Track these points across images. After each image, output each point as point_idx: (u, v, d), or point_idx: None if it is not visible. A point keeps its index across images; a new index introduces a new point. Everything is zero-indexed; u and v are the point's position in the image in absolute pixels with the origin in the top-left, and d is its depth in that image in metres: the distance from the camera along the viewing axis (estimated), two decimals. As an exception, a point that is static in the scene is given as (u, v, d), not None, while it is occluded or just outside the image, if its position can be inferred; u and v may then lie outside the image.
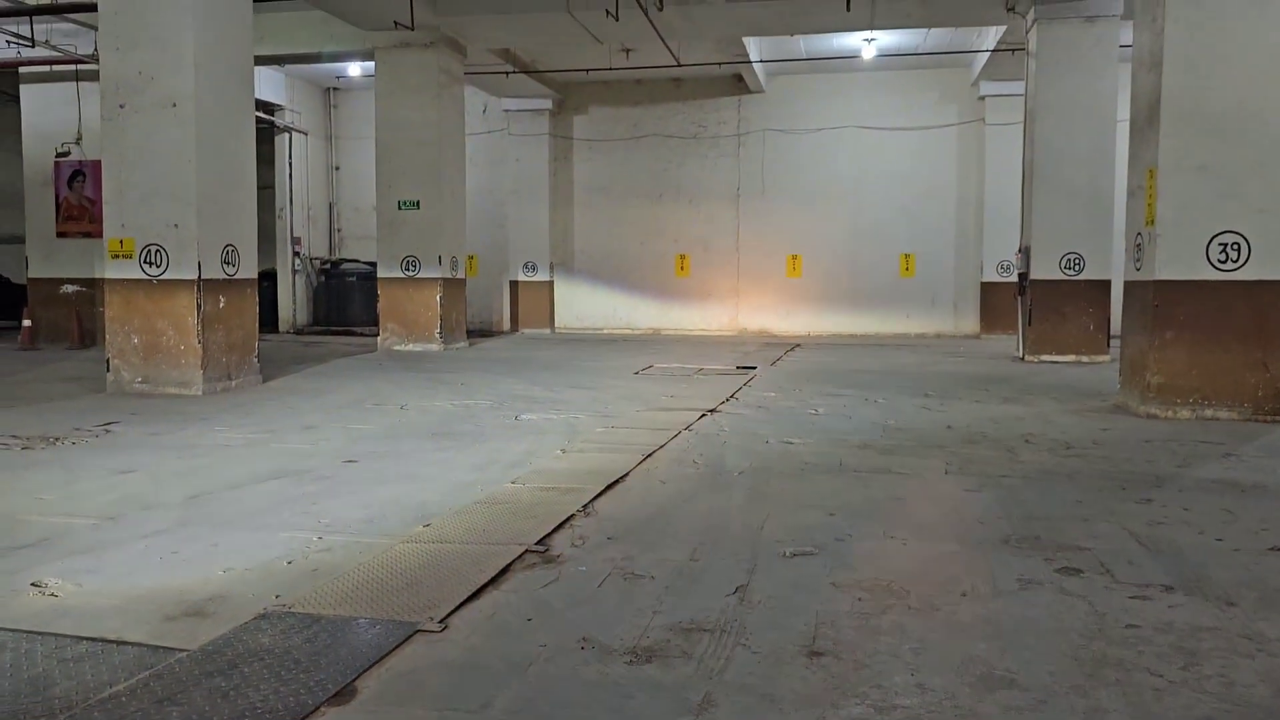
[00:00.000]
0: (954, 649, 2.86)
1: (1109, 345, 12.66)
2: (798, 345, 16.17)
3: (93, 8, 11.63)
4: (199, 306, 8.90)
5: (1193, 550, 3.90)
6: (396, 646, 2.84)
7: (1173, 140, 7.39)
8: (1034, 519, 4.41)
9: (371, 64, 16.83)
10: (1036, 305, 12.70)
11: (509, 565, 3.64)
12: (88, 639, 2.89)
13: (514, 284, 19.84)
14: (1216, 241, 7.36)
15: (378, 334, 17.71)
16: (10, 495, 4.84)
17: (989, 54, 15.92)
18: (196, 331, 8.90)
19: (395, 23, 12.64)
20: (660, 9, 11.47)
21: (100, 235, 14.38)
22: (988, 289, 18.09)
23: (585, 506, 4.60)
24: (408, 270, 14.36)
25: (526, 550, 3.83)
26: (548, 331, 19.63)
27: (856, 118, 18.72)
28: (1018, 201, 17.58)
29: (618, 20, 11.24)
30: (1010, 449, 6.25)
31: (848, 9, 10.91)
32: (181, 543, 3.98)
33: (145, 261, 8.96)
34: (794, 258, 19.22)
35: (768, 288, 19.34)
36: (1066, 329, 12.63)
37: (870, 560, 3.77)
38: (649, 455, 5.95)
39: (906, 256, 18.84)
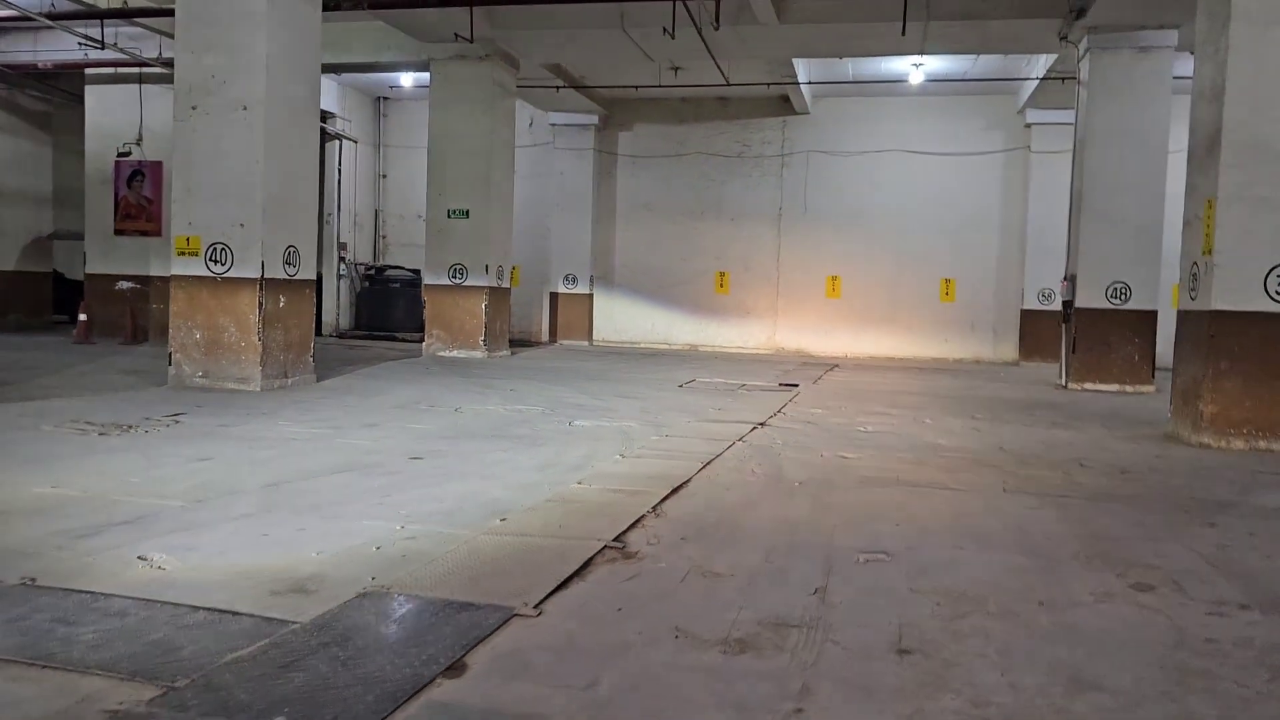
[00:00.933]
0: (1038, 653, 2.93)
1: (1153, 376, 12.63)
2: (836, 365, 16.22)
3: (164, 13, 11.98)
4: (260, 305, 9.10)
5: (1263, 573, 3.94)
6: (497, 628, 2.95)
7: (1233, 171, 7.42)
8: (1099, 537, 4.46)
9: (424, 75, 17.17)
10: (1081, 334, 12.68)
11: (591, 559, 3.74)
12: (203, 609, 3.02)
13: (554, 295, 20.03)
14: (1275, 273, 7.37)
15: (420, 339, 17.99)
16: (99, 477, 5.01)
17: (1037, 82, 15.96)
18: (257, 329, 9.09)
19: (456, 35, 12.87)
20: (716, 28, 11.62)
21: (157, 234, 14.81)
22: (1028, 316, 18.06)
23: (654, 508, 4.69)
24: (455, 278, 14.55)
25: (605, 546, 3.93)
26: (585, 343, 19.78)
27: (901, 142, 18.79)
28: (1061, 230, 17.62)
29: (674, 38, 11.41)
30: (1066, 471, 6.28)
31: (903, 33, 11.01)
32: (269, 526, 4.12)
33: (210, 259, 9.18)
34: (834, 279, 19.28)
35: (807, 308, 19.41)
36: (1111, 358, 12.59)
37: (942, 568, 3.84)
38: (707, 463, 6.04)
39: (947, 281, 18.85)
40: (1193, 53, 13.40)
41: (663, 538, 4.15)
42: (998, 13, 12.39)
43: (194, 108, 9.17)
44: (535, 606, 3.16)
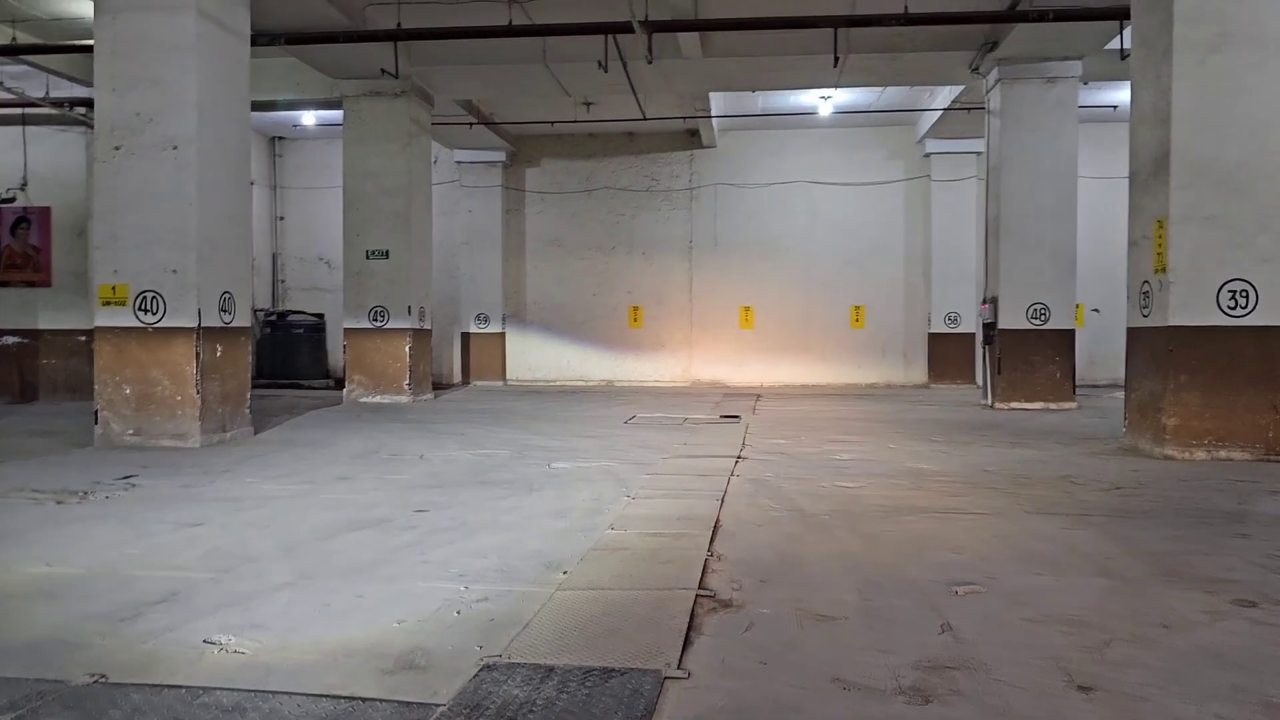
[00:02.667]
0: (1207, 679, 2.87)
1: (1075, 392, 13.11)
2: (759, 395, 16.29)
3: (59, 49, 11.27)
4: (198, 355, 8.52)
5: (1331, 579, 4.02)
6: (658, 695, 2.71)
7: (1183, 192, 7.75)
8: (1154, 554, 4.49)
9: (327, 113, 16.68)
10: (1006, 354, 13.06)
11: (693, 611, 3.53)
12: (325, 696, 2.68)
13: (465, 335, 19.59)
14: (1226, 289, 7.72)
15: (326, 386, 17.38)
16: (92, 550, 4.50)
17: (939, 113, 16.53)
18: (195, 381, 8.50)
19: (382, 70, 12.49)
20: (650, 62, 11.59)
21: (46, 284, 13.86)
22: (935, 340, 18.58)
23: (711, 551, 4.50)
24: (376, 321, 14.03)
25: (698, 595, 3.73)
26: (500, 384, 19.38)
27: (806, 173, 19.17)
28: (964, 255, 18.33)
29: (606, 72, 11.33)
30: (1065, 490, 6.37)
31: (835, 64, 11.23)
32: (323, 595, 3.75)
33: (140, 309, 8.55)
34: (746, 309, 19.45)
35: (721, 339, 19.51)
36: (1035, 377, 13.01)
37: (1040, 595, 3.78)
38: (721, 501, 5.88)
39: (857, 308, 19.26)
40: (1086, 83, 14.19)
41: (743, 582, 3.97)
42: (914, 45, 12.77)
43: (117, 148, 8.56)
44: (679, 667, 2.94)
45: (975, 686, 2.80)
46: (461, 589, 3.86)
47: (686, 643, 3.19)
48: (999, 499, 6.00)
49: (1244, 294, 7.70)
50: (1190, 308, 7.78)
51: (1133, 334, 8.50)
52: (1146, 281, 8.20)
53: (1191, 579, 4.01)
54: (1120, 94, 16.06)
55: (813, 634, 3.31)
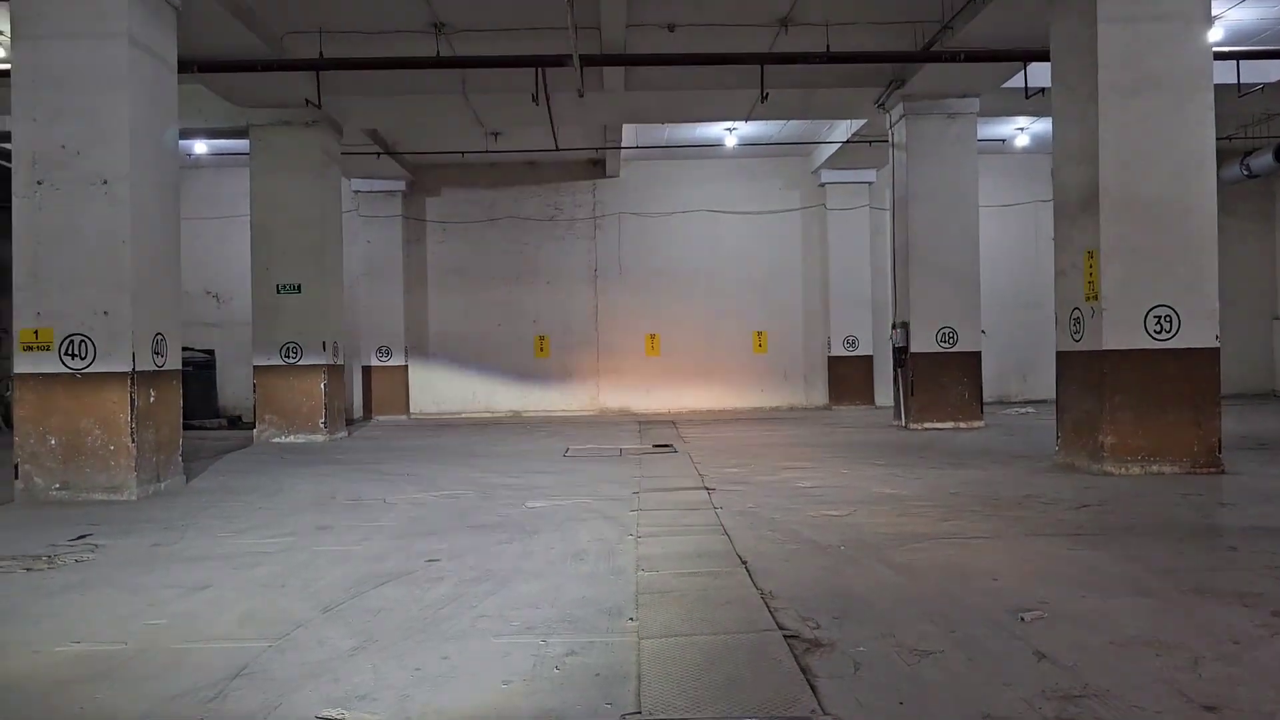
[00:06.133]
0: (1309, 692, 3.08)
1: (982, 412, 13.73)
2: (675, 423, 16.41)
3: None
4: (133, 401, 8.03)
5: (1340, 588, 4.36)
6: (830, 743, 2.73)
7: (1112, 225, 8.28)
8: (1169, 571, 4.76)
9: (219, 141, 16.07)
10: (918, 377, 13.58)
11: (795, 654, 3.55)
12: (502, 770, 2.59)
13: (366, 369, 19.08)
14: (1153, 314, 8.26)
15: (219, 426, 16.69)
16: (110, 623, 4.19)
17: (838, 145, 17.13)
18: (130, 429, 8.01)
19: (306, 100, 12.10)
20: (582, 95, 11.63)
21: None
22: (835, 363, 19.15)
23: (759, 589, 4.54)
24: (288, 357, 13.53)
25: (787, 636, 3.75)
26: (404, 418, 18.94)
27: (707, 202, 19.53)
28: (860, 281, 19.00)
29: (537, 104, 11.30)
30: (1040, 510, 6.67)
31: (763, 100, 11.50)
32: (406, 659, 3.60)
33: (66, 353, 8.01)
34: (652, 337, 19.61)
35: (627, 366, 19.60)
36: (945, 398, 13.57)
37: (1101, 617, 3.95)
38: (727, 535, 5.93)
39: (759, 333, 19.68)
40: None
41: (818, 620, 4.01)
42: (827, 82, 13.22)
43: (40, 182, 8.02)
44: (826, 713, 2.96)
45: (1115, 714, 2.92)
46: (540, 642, 3.78)
47: (814, 689, 3.21)
48: (989, 522, 6.23)
49: (1168, 319, 8.25)
50: (1122, 333, 8.29)
51: (1064, 358, 8.98)
52: (1077, 308, 8.69)
53: (1222, 594, 4.28)
54: (1005, 128, 17.03)
55: (928, 671, 3.38)
